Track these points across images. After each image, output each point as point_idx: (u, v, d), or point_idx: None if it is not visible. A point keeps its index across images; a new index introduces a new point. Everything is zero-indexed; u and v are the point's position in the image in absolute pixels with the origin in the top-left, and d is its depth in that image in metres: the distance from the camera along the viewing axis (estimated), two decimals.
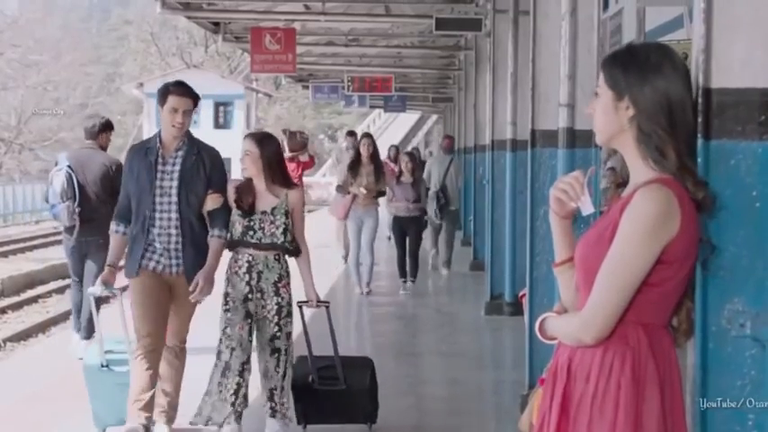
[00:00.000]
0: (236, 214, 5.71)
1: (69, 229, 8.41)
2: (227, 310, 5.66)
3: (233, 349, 5.60)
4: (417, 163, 13.57)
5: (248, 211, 5.70)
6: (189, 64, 52.41)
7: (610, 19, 7.72)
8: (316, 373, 5.92)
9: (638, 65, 2.64)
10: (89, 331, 8.04)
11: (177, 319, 5.72)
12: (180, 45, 61.60)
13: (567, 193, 2.74)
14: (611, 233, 2.58)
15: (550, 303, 4.11)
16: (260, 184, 5.75)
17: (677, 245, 2.55)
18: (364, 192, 11.82)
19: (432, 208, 13.97)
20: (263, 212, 5.71)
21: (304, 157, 15.46)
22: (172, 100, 5.60)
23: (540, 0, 6.98)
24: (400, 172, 13.02)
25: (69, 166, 8.33)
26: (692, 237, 2.59)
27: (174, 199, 5.60)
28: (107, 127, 8.67)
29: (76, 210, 8.27)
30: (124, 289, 5.85)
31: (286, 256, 5.81)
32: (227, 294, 5.69)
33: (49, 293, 17.13)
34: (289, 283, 5.78)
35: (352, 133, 17.45)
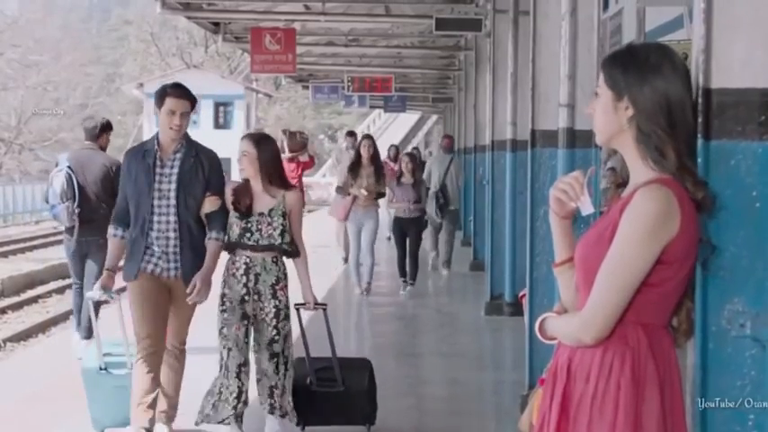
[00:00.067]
0: (233, 216, 5.68)
1: (69, 230, 8.42)
2: (223, 311, 5.64)
3: (229, 350, 5.58)
4: (418, 164, 13.56)
5: (245, 212, 5.67)
6: (189, 64, 52.42)
7: (610, 19, 7.73)
8: (314, 374, 5.90)
9: (638, 65, 2.64)
10: (89, 331, 8.03)
11: (177, 322, 5.70)
12: (180, 45, 61.61)
13: (567, 194, 2.74)
14: (611, 233, 2.58)
15: (550, 304, 4.11)
16: (257, 185, 5.73)
17: (677, 245, 2.55)
18: (365, 193, 11.81)
19: (431, 207, 13.97)
20: (261, 214, 5.68)
21: (304, 158, 15.48)
22: (169, 102, 5.57)
23: (540, 0, 6.98)
24: (401, 173, 13.01)
25: (69, 167, 8.35)
26: (692, 237, 2.59)
27: (173, 202, 5.58)
28: (107, 128, 8.70)
29: (76, 210, 8.28)
30: (122, 290, 5.83)
31: (284, 259, 5.78)
32: (223, 295, 5.67)
33: (49, 293, 17.12)
34: (286, 286, 5.75)
35: (351, 134, 17.45)
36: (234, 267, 5.69)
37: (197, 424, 5.69)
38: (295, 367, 5.87)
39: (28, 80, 51.85)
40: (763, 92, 2.76)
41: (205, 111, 47.94)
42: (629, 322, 2.59)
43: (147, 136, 22.58)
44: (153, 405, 5.61)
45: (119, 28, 75.24)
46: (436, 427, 6.69)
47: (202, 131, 40.56)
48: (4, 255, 22.12)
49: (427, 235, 13.79)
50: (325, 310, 6.03)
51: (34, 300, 16.52)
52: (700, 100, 2.77)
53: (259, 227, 5.66)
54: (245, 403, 5.63)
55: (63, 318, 14.33)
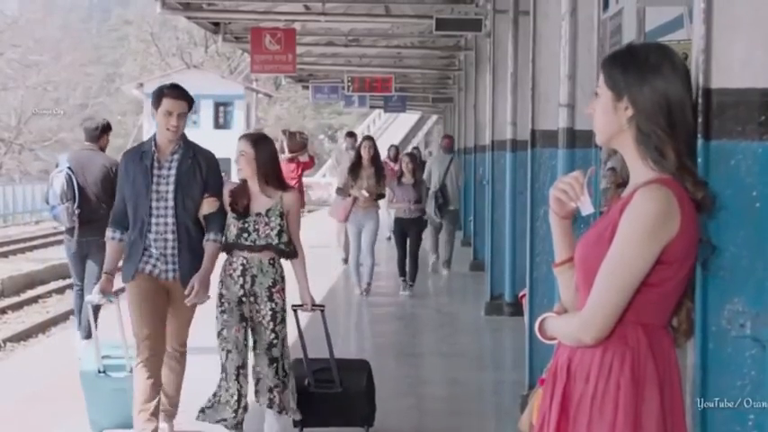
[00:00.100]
0: (230, 217, 5.65)
1: (70, 231, 8.44)
2: (222, 312, 5.60)
3: (228, 351, 5.54)
4: (418, 164, 13.55)
5: (243, 213, 5.63)
6: (189, 64, 52.42)
7: (610, 19, 7.72)
8: (311, 376, 5.86)
9: (638, 65, 2.64)
10: (89, 331, 8.04)
11: (176, 324, 5.68)
12: (180, 45, 61.62)
13: (567, 194, 2.74)
14: (611, 233, 2.58)
15: (550, 304, 4.11)
16: (254, 185, 5.69)
17: (677, 245, 2.55)
18: (366, 195, 11.80)
19: (431, 207, 13.96)
20: (258, 214, 5.64)
21: (304, 158, 15.50)
22: (166, 103, 5.54)
23: (540, 0, 6.98)
24: (401, 173, 13.01)
25: (69, 168, 8.37)
26: (692, 237, 2.59)
27: (171, 203, 5.55)
28: (107, 129, 8.74)
29: (76, 211, 8.30)
30: (121, 291, 5.81)
31: (281, 261, 5.74)
32: (221, 296, 5.63)
33: (49, 293, 17.12)
34: (283, 289, 5.70)
35: (351, 134, 17.46)
36: (231, 268, 5.65)
37: (197, 419, 5.68)
38: (293, 368, 5.85)
39: (28, 80, 51.85)
40: (763, 92, 2.76)
41: (205, 111, 47.97)
42: (629, 322, 2.59)
43: (147, 136, 22.58)
44: (156, 413, 5.57)
45: (119, 28, 75.24)
46: (436, 427, 6.69)
47: (202, 131, 40.64)
48: (4, 255, 22.12)
49: (427, 235, 13.78)
50: (322, 311, 5.99)
51: (34, 300, 16.52)
52: (700, 100, 2.77)
53: (256, 227, 5.63)
54: (245, 409, 5.57)
55: (63, 318, 14.33)
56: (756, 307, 2.76)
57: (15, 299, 16.44)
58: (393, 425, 6.49)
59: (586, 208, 2.72)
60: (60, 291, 17.27)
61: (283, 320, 5.68)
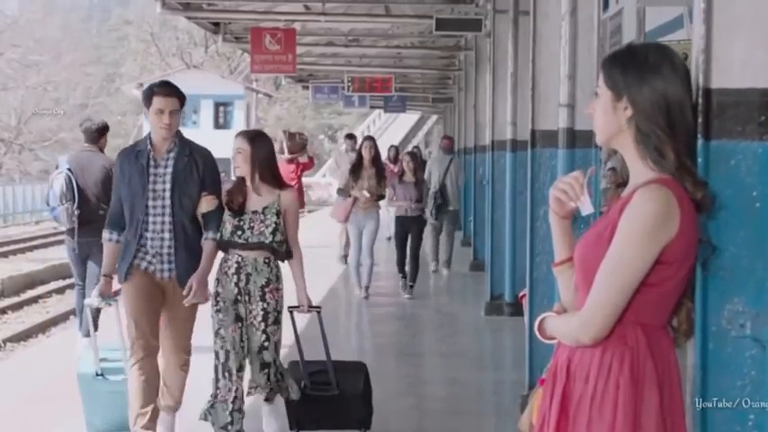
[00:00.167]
0: (226, 214, 5.59)
1: (70, 231, 8.46)
2: (218, 311, 5.56)
3: (227, 351, 5.50)
4: (419, 162, 13.52)
5: (238, 210, 5.58)
6: (189, 64, 52.44)
7: (610, 19, 7.73)
8: (308, 378, 5.79)
9: (637, 65, 2.64)
10: (89, 331, 8.05)
11: (177, 328, 5.58)
12: (180, 45, 61.62)
13: (567, 194, 2.75)
14: (610, 233, 2.58)
15: (550, 304, 4.11)
16: (252, 182, 5.62)
17: (676, 245, 2.55)
18: (367, 195, 11.78)
19: (428, 207, 13.93)
20: (254, 212, 5.58)
21: (303, 159, 15.52)
22: (157, 101, 5.46)
23: (540, 0, 6.98)
24: (402, 171, 12.98)
25: (69, 169, 8.39)
26: (692, 237, 2.59)
27: (168, 202, 5.49)
28: (105, 130, 8.77)
29: (76, 212, 8.32)
30: (119, 293, 5.78)
31: (278, 261, 5.66)
32: (217, 294, 5.58)
33: (49, 294, 17.12)
34: (278, 289, 5.61)
35: (351, 136, 17.47)
36: (226, 266, 5.60)
37: (200, 418, 5.65)
38: (289, 371, 5.79)
39: (28, 80, 51.84)
40: (763, 92, 2.76)
41: (205, 111, 48.02)
42: (628, 322, 2.59)
43: None
44: (154, 417, 5.54)
45: (119, 28, 75.24)
46: (436, 427, 6.69)
47: (202, 131, 40.67)
48: (4, 255, 22.12)
49: (427, 235, 13.77)
50: (319, 312, 5.92)
51: (34, 300, 16.52)
52: (700, 100, 2.77)
53: (252, 225, 5.56)
54: (241, 411, 5.54)
55: (63, 318, 14.34)
56: (756, 307, 2.76)
57: (15, 299, 16.44)
58: (393, 425, 6.49)
59: (586, 208, 2.72)
60: (60, 291, 17.28)
61: (276, 322, 5.59)
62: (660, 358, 2.60)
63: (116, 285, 5.64)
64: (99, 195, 8.35)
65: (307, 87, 30.50)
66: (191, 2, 15.47)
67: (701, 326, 2.77)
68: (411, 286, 12.53)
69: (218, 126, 47.69)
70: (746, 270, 2.75)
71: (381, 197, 12.20)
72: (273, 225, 5.58)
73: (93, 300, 5.68)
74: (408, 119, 49.80)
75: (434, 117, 47.90)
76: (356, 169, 11.91)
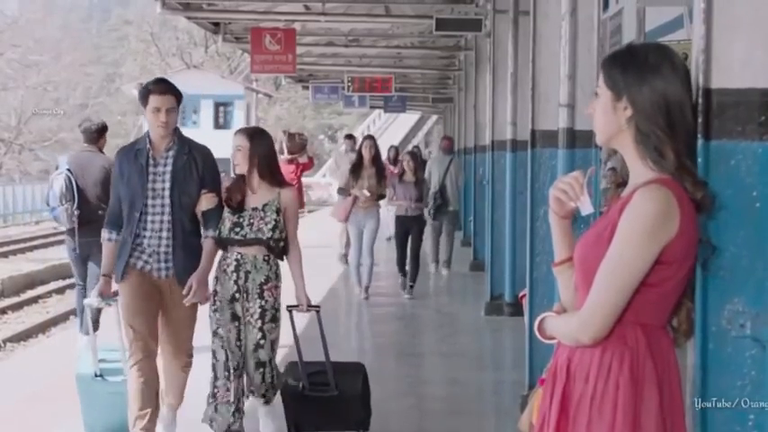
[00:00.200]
0: (226, 211, 5.57)
1: (70, 232, 8.47)
2: (215, 311, 5.54)
3: (225, 351, 5.49)
4: (419, 162, 13.51)
5: (237, 207, 5.55)
6: (189, 64, 52.42)
7: (610, 19, 7.73)
8: (306, 378, 5.73)
9: (637, 65, 2.64)
10: (94, 327, 8.09)
11: (177, 329, 5.55)
12: (180, 45, 61.63)
13: (567, 193, 2.75)
14: (610, 233, 2.58)
15: (550, 304, 4.12)
16: (251, 180, 5.60)
17: (676, 245, 2.55)
18: (367, 194, 11.78)
19: (427, 207, 13.91)
20: (254, 209, 5.55)
21: (303, 159, 15.51)
22: (153, 99, 5.42)
23: (540, 0, 6.98)
24: (402, 171, 12.97)
25: (69, 170, 8.40)
26: (691, 237, 2.59)
27: (167, 201, 5.46)
28: (104, 130, 8.79)
29: (75, 212, 8.33)
30: (117, 293, 5.76)
31: (277, 259, 5.63)
32: (215, 293, 5.56)
33: (49, 294, 17.12)
34: (276, 287, 5.59)
35: (350, 137, 17.47)
36: (225, 264, 5.58)
37: (203, 421, 5.63)
38: (287, 371, 5.76)
39: (28, 80, 51.84)
40: (763, 92, 2.76)
41: (205, 111, 48.00)
42: (628, 322, 2.59)
43: None
44: (153, 419, 5.51)
45: (119, 28, 75.23)
46: (436, 427, 6.69)
47: (202, 131, 40.67)
48: (4, 255, 22.12)
49: (427, 235, 13.77)
50: (318, 311, 5.87)
51: (34, 300, 16.52)
52: (700, 100, 2.77)
53: (251, 221, 5.54)
54: (240, 411, 5.51)
55: (63, 318, 14.34)
56: (756, 307, 2.76)
57: (15, 299, 16.44)
58: (393, 425, 6.50)
59: (586, 208, 2.72)
60: (60, 291, 17.28)
61: (273, 320, 5.55)
62: (660, 358, 2.60)
63: (116, 286, 5.63)
64: (99, 195, 8.36)
65: (307, 87, 30.50)
66: (191, 2, 15.47)
67: (700, 326, 2.77)
68: (411, 286, 12.52)
69: (218, 126, 47.66)
70: (746, 270, 2.75)
71: (382, 196, 12.19)
72: (273, 222, 5.56)
73: (92, 300, 5.66)
74: (408, 119, 49.80)
75: (434, 117, 47.90)
76: (356, 169, 11.91)
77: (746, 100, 2.77)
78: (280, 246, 5.61)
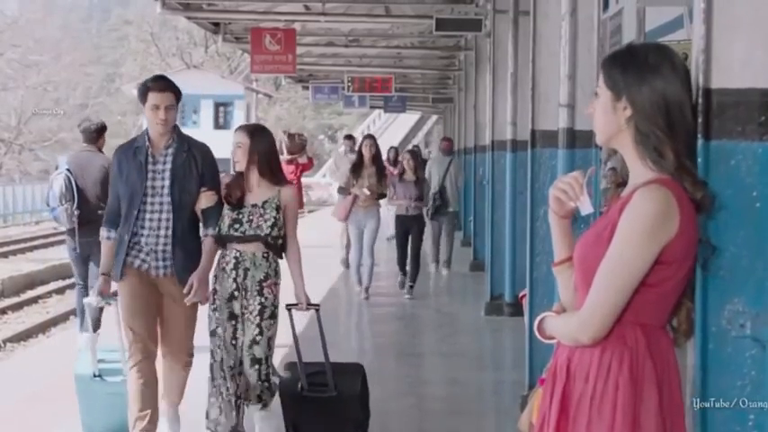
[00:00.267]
0: (225, 208, 5.55)
1: (71, 232, 8.48)
2: (214, 309, 5.52)
3: (223, 350, 5.49)
4: (419, 161, 13.50)
5: (237, 204, 5.53)
6: (189, 64, 52.43)
7: (610, 19, 7.73)
8: (305, 379, 5.67)
9: (637, 65, 2.64)
10: (97, 324, 8.11)
11: (177, 327, 5.52)
12: (180, 45, 61.64)
13: (567, 193, 2.75)
14: (610, 233, 2.58)
15: (550, 304, 4.12)
16: (251, 177, 5.57)
17: (676, 245, 2.55)
18: (367, 193, 11.78)
19: (426, 207, 13.89)
20: (254, 205, 5.53)
21: (303, 159, 15.53)
22: (152, 97, 5.40)
23: (540, 0, 6.98)
24: (402, 170, 12.96)
25: (68, 170, 8.41)
26: (691, 237, 2.59)
27: (167, 199, 5.43)
28: (103, 129, 8.81)
29: (75, 212, 8.34)
30: (117, 293, 5.75)
31: (276, 257, 5.60)
32: (214, 291, 5.54)
33: (49, 294, 17.12)
34: (276, 284, 5.56)
35: (350, 137, 17.47)
36: (224, 261, 5.55)
37: (207, 427, 5.58)
38: (286, 372, 5.72)
39: (28, 80, 51.83)
40: (763, 92, 2.76)
41: (205, 111, 48.01)
42: (628, 322, 2.59)
43: None
44: (153, 420, 5.49)
45: (119, 28, 75.25)
46: (436, 427, 6.69)
47: (202, 131, 40.63)
48: (4, 255, 22.12)
49: (427, 235, 13.76)
50: (317, 310, 5.84)
51: (34, 300, 16.52)
52: (700, 100, 2.77)
53: (250, 218, 5.51)
54: (239, 409, 5.51)
55: (63, 318, 14.34)
56: (756, 307, 2.76)
57: (15, 299, 16.44)
58: (393, 425, 6.49)
59: (586, 208, 2.72)
60: (60, 291, 17.28)
61: (272, 317, 5.52)
62: (659, 358, 2.60)
63: (115, 285, 5.62)
64: (98, 195, 8.36)
65: (307, 87, 30.49)
66: (191, 2, 15.47)
67: (700, 326, 2.77)
68: (411, 286, 12.51)
69: (218, 126, 47.67)
70: (746, 270, 2.75)
71: (382, 196, 12.17)
72: (272, 219, 5.53)
73: (92, 299, 5.65)
74: (408, 119, 49.81)
75: (434, 117, 47.90)
76: (357, 168, 11.90)
77: (746, 100, 2.77)
78: (278, 243, 5.58)
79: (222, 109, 48.99)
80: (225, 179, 5.70)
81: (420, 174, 12.99)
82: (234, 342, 5.52)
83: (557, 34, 6.14)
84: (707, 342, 2.79)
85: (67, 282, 16.95)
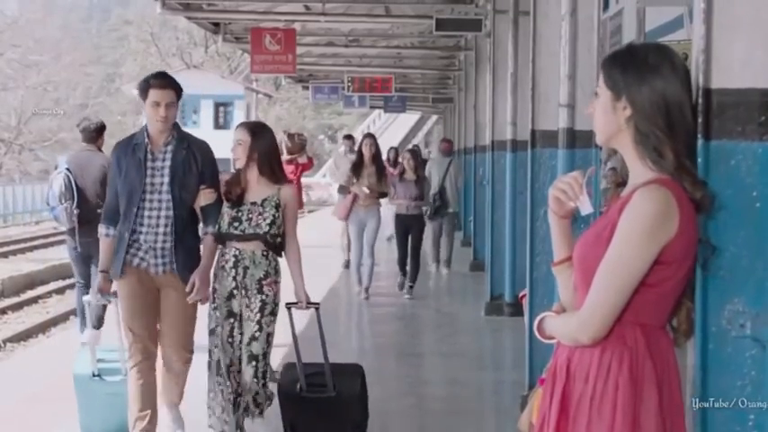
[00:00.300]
0: (225, 206, 5.53)
1: (71, 231, 8.48)
2: (214, 309, 5.52)
3: (221, 349, 5.48)
4: (420, 161, 13.49)
5: (236, 201, 5.51)
6: (189, 64, 52.42)
7: (610, 19, 7.74)
8: (304, 379, 5.66)
9: (637, 65, 2.64)
10: (100, 321, 8.13)
11: (176, 323, 5.48)
12: (180, 45, 61.64)
13: (566, 193, 2.75)
14: (610, 233, 2.58)
15: (550, 304, 4.13)
16: (251, 174, 5.55)
17: (675, 245, 2.55)
18: (367, 191, 11.78)
19: (425, 207, 13.88)
20: (253, 203, 5.52)
21: (302, 159, 15.53)
22: (153, 94, 5.37)
23: (540, 0, 6.98)
24: (403, 170, 12.95)
25: (68, 169, 8.42)
26: (691, 237, 2.59)
27: (166, 196, 5.40)
28: (103, 129, 8.82)
29: (75, 211, 8.34)
30: (115, 292, 5.74)
31: (276, 255, 5.59)
32: (214, 290, 5.53)
33: (49, 294, 17.12)
34: (276, 282, 5.55)
35: (349, 137, 17.47)
36: (223, 260, 5.53)
37: (211, 427, 5.56)
38: (285, 372, 5.70)
39: (28, 80, 51.81)
40: (763, 92, 2.76)
41: (205, 111, 48.01)
42: (627, 322, 2.59)
43: None
44: (153, 421, 5.48)
45: (119, 28, 75.24)
46: (436, 428, 6.69)
47: (202, 131, 40.61)
48: (4, 255, 22.11)
49: (428, 235, 13.76)
50: (317, 309, 5.82)
51: (34, 300, 16.52)
52: (700, 100, 2.77)
53: (249, 216, 5.50)
54: (239, 408, 5.51)
55: (63, 318, 14.34)
56: (756, 307, 2.76)
57: (15, 299, 16.44)
58: (393, 425, 6.49)
59: (585, 208, 2.72)
60: (60, 291, 17.28)
61: (272, 314, 5.50)
62: (659, 358, 2.60)
63: (114, 284, 5.61)
64: (98, 194, 8.36)
65: (307, 87, 30.48)
66: (191, 2, 15.47)
67: (700, 326, 2.77)
68: (411, 286, 12.50)
69: (218, 126, 47.67)
70: (746, 270, 2.75)
71: (383, 194, 12.15)
72: (271, 217, 5.51)
73: (91, 297, 5.63)
74: (408, 119, 49.80)
75: (434, 117, 47.89)
76: (357, 167, 11.90)
77: (746, 100, 2.77)
78: (277, 241, 5.57)
79: (222, 109, 49.00)
80: (224, 177, 5.69)
81: (420, 173, 12.98)
82: (231, 340, 5.51)
83: (557, 34, 6.14)
84: (707, 342, 2.79)
85: (67, 282, 16.94)
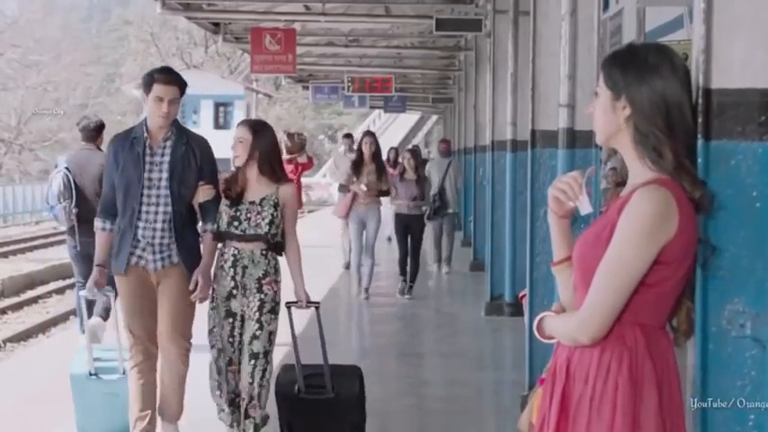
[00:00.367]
0: (223, 204, 5.50)
1: (71, 230, 8.47)
2: (213, 308, 5.50)
3: (220, 350, 5.47)
4: (420, 160, 13.48)
5: (236, 200, 5.48)
6: (189, 64, 52.40)
7: (610, 19, 7.73)
8: (302, 380, 5.61)
9: (637, 65, 2.64)
10: (107, 312, 8.11)
11: (174, 315, 5.42)
12: (180, 45, 61.65)
13: (566, 193, 2.75)
14: (609, 233, 2.58)
15: (550, 304, 4.12)
16: (251, 173, 5.51)
17: (675, 245, 2.55)
18: (365, 189, 11.77)
19: (425, 207, 13.86)
20: (252, 203, 5.48)
21: (302, 159, 15.52)
22: (157, 89, 5.32)
23: (540, 0, 6.98)
24: (403, 169, 12.95)
25: (67, 168, 8.42)
26: (690, 237, 2.59)
27: (164, 192, 5.37)
28: (102, 128, 8.82)
29: (74, 210, 8.34)
30: (111, 285, 5.71)
31: (275, 254, 5.55)
32: (213, 290, 5.51)
33: (49, 294, 17.12)
34: (276, 281, 5.51)
35: (348, 136, 17.48)
36: (222, 260, 5.50)
37: (222, 419, 5.56)
38: (283, 373, 5.67)
39: (28, 80, 51.80)
40: (763, 92, 2.76)
41: (205, 111, 48.01)
42: (627, 322, 2.59)
43: None
44: (153, 421, 5.46)
45: (119, 28, 75.24)
46: (436, 427, 6.69)
47: (202, 131, 40.45)
48: (4, 255, 22.11)
49: (428, 235, 13.75)
50: (317, 308, 5.78)
51: (34, 300, 16.52)
52: (700, 100, 2.77)
53: (248, 215, 5.47)
54: (238, 407, 5.50)
55: (63, 318, 14.34)
56: (756, 307, 2.76)
57: (15, 299, 16.44)
58: (393, 425, 6.49)
59: (585, 207, 2.72)
60: (60, 291, 17.28)
61: (272, 312, 5.46)
62: (659, 358, 2.60)
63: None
64: (97, 193, 8.34)
65: (307, 87, 30.49)
66: (191, 2, 15.48)
67: (700, 326, 2.77)
68: (411, 286, 12.50)
69: (218, 126, 47.67)
70: (746, 270, 2.75)
71: (383, 193, 12.13)
72: (270, 217, 5.48)
73: (87, 291, 5.59)
74: (408, 119, 49.81)
75: (434, 117, 47.90)
76: (357, 165, 11.89)
77: (746, 100, 2.77)
78: (277, 241, 5.55)
79: (222, 109, 48.99)
80: (224, 176, 5.66)
81: (421, 172, 12.98)
82: (231, 340, 5.50)
83: (557, 34, 6.14)
84: (707, 342, 2.78)
85: (67, 282, 16.95)
